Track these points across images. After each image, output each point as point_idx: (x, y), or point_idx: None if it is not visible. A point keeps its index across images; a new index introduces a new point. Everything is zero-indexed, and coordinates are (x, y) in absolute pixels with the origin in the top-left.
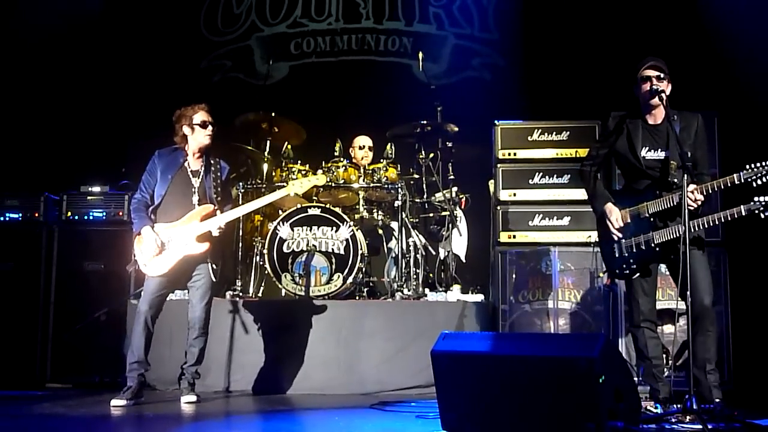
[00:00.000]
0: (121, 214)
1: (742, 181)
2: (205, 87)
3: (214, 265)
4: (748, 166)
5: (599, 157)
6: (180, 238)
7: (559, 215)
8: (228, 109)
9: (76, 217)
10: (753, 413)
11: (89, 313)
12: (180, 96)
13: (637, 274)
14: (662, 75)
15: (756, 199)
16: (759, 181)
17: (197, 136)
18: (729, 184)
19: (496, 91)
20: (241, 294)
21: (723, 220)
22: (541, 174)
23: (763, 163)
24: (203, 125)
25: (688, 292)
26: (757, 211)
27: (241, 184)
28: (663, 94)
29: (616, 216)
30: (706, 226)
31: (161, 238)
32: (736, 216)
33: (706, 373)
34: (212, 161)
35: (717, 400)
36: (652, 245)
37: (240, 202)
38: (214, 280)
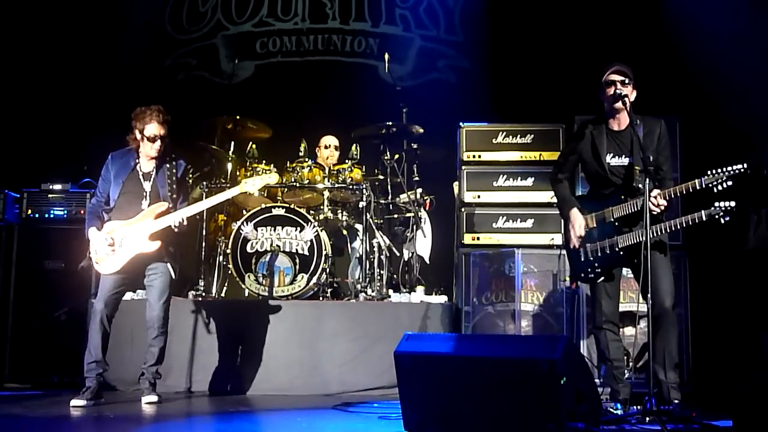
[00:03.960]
0: (82, 212)
1: (703, 186)
2: (170, 85)
3: (171, 264)
4: (709, 172)
5: (568, 163)
6: (133, 236)
7: (523, 217)
8: (192, 107)
9: (37, 215)
10: (711, 414)
11: (49, 312)
12: (144, 94)
13: (602, 278)
14: (627, 80)
15: (716, 204)
16: (719, 187)
17: (145, 147)
18: (690, 190)
19: (462, 93)
20: (203, 294)
21: (684, 225)
22: (505, 176)
23: (723, 169)
24: (152, 139)
25: (649, 295)
26: (717, 216)
27: (205, 183)
28: (626, 99)
29: (579, 223)
30: (669, 231)
31: (114, 236)
32: (697, 221)
33: (666, 373)
34: (167, 159)
35: (676, 401)
36: (617, 249)
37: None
38: (173, 277)
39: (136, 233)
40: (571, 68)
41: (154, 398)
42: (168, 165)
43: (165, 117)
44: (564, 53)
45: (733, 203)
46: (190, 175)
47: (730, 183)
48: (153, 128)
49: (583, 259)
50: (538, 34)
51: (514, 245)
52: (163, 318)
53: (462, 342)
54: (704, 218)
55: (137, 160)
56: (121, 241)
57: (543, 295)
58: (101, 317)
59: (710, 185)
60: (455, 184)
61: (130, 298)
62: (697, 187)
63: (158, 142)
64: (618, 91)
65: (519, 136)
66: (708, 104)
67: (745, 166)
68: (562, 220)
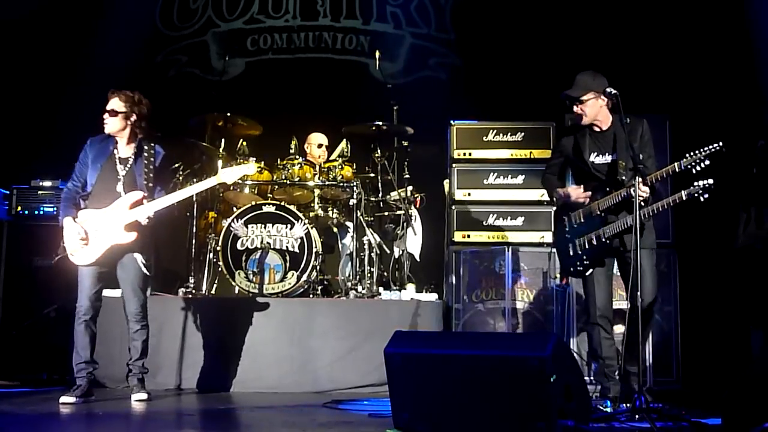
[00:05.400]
0: None
1: (682, 168)
2: (161, 82)
3: (144, 258)
4: (687, 155)
5: (557, 165)
6: (107, 226)
7: (513, 215)
8: (183, 104)
9: (26, 212)
10: (700, 412)
11: (38, 309)
12: (134, 90)
13: (590, 270)
14: (576, 101)
15: (696, 183)
16: (698, 167)
17: (106, 125)
18: (670, 173)
19: (452, 90)
20: (193, 291)
21: (666, 207)
22: (495, 174)
23: (700, 150)
24: (106, 113)
25: (638, 292)
26: (696, 195)
27: (195, 180)
28: (583, 117)
29: (572, 188)
30: (652, 214)
31: (88, 226)
32: (677, 201)
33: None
34: (146, 146)
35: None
36: (603, 239)
37: (194, 198)
38: (147, 273)
39: (111, 223)
40: (562, 67)
41: (143, 396)
42: (146, 153)
43: (129, 96)
44: (555, 51)
45: (711, 180)
46: (181, 172)
47: (707, 162)
48: (111, 103)
49: (572, 254)
50: (528, 33)
51: (504, 243)
52: (140, 312)
53: (452, 340)
54: (684, 197)
55: (116, 146)
56: (95, 231)
57: (533, 292)
58: (86, 318)
59: (689, 167)
60: (446, 182)
61: (121, 296)
62: (677, 170)
63: (114, 119)
64: (576, 118)
65: (509, 134)
66: (697, 102)
67: (721, 144)
68: (553, 218)
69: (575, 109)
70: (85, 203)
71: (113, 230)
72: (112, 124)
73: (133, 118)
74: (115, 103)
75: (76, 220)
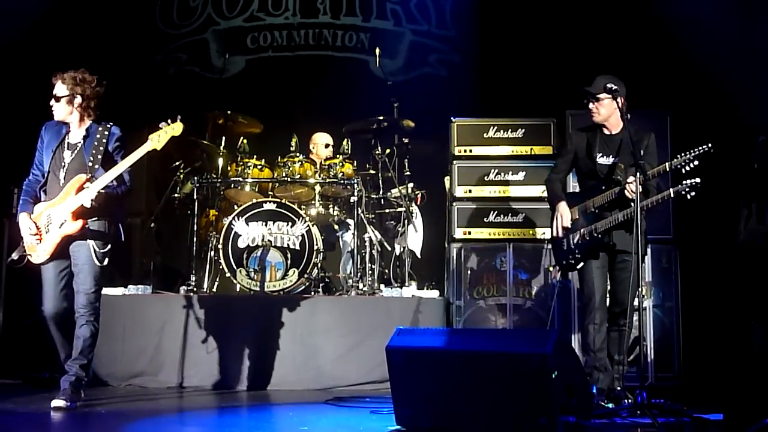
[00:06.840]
0: None
1: (673, 168)
2: (160, 80)
3: (98, 245)
4: (678, 156)
5: (563, 164)
6: (57, 217)
7: (514, 212)
8: (183, 102)
9: None
10: (702, 408)
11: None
12: (134, 89)
13: (582, 264)
14: (593, 98)
15: (684, 182)
16: (687, 167)
17: None
18: (662, 172)
19: (453, 87)
20: (195, 289)
21: (656, 203)
22: (496, 171)
23: (690, 151)
24: (52, 99)
25: (640, 289)
26: (683, 192)
27: (196, 178)
28: (595, 115)
29: (566, 216)
30: (646, 209)
31: (40, 222)
32: (665, 198)
33: (614, 365)
34: (100, 128)
35: (618, 389)
36: (595, 234)
37: (195, 197)
38: (98, 264)
39: (60, 213)
40: (562, 63)
41: (62, 403)
42: (99, 135)
43: (72, 76)
44: (555, 48)
45: (698, 179)
46: (182, 170)
47: (696, 162)
48: (55, 88)
49: (565, 248)
50: (528, 29)
51: (505, 239)
52: (88, 305)
53: (453, 336)
54: (672, 195)
55: (68, 130)
56: (47, 225)
57: (534, 289)
58: (54, 320)
59: (678, 166)
60: (446, 179)
61: (122, 294)
62: (668, 169)
63: (58, 104)
64: (593, 118)
65: (510, 130)
66: (699, 99)
67: (709, 145)
68: (551, 212)
69: (590, 105)
70: (46, 196)
71: (61, 221)
72: (57, 111)
73: (78, 100)
74: (58, 88)
75: (31, 216)
